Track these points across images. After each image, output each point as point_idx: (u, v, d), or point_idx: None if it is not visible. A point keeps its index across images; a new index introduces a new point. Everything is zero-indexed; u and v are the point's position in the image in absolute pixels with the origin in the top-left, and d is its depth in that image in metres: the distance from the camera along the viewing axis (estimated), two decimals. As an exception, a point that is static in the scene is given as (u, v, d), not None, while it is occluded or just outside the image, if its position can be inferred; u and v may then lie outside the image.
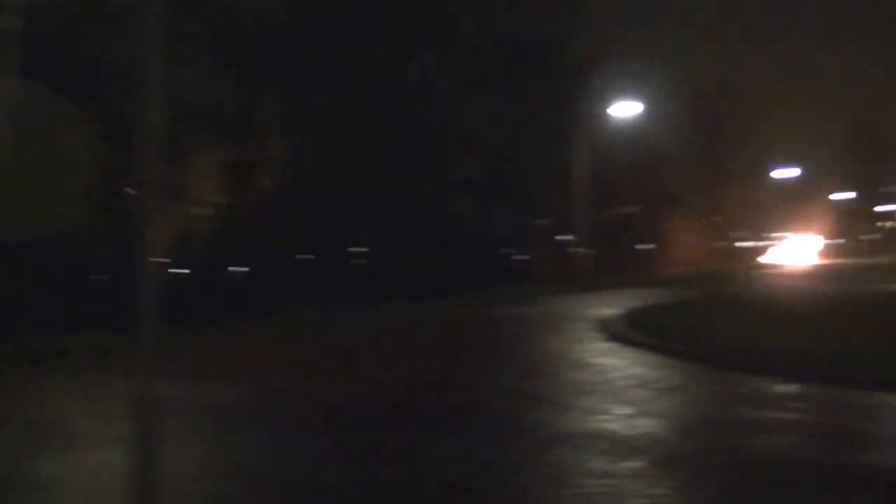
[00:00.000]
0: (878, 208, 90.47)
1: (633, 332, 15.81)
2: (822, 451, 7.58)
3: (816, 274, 46.35)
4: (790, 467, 6.91)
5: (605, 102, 36.22)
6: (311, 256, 28.21)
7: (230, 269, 26.06)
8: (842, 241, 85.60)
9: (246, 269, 26.35)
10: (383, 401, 10.39)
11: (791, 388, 10.67)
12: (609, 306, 22.39)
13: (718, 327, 15.96)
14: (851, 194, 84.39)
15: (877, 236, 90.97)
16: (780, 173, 68.86)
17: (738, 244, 74.22)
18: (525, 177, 38.22)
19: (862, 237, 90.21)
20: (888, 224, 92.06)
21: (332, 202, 27.50)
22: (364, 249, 31.28)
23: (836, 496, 6.13)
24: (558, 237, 42.13)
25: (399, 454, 7.52)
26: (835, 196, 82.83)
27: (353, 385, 11.63)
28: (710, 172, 65.91)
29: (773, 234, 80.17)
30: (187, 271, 23.28)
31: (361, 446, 7.79)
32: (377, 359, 14.77)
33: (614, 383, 10.98)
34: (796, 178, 71.43)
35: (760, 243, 78.04)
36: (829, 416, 9.31)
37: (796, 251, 72.42)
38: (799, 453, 7.53)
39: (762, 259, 71.22)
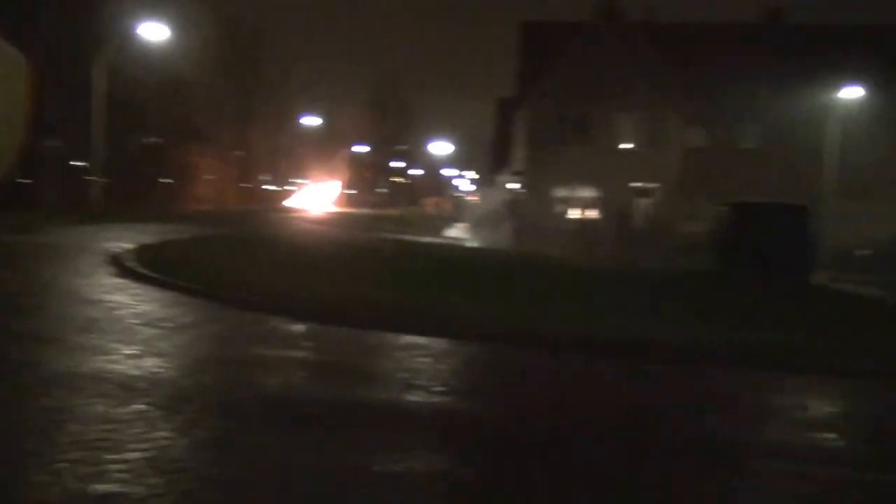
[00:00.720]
0: (392, 164, 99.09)
1: (145, 268, 15.09)
2: (325, 387, 7.94)
3: (331, 221, 48.99)
4: (294, 403, 7.12)
5: (131, 21, 33.57)
6: None
7: None
8: (355, 191, 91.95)
9: None
10: None
11: (300, 327, 11.05)
12: (122, 240, 21.26)
13: (233, 266, 15.92)
14: (368, 148, 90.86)
15: (386, 190, 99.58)
16: (306, 121, 71.29)
17: (263, 186, 75.68)
18: (35, 91, 34.70)
19: (377, 190, 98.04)
20: (397, 179, 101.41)
21: None
22: None
23: (333, 429, 6.40)
24: (72, 163, 39.03)
25: None
26: (354, 148, 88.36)
27: None
28: (239, 111, 66.02)
29: (296, 180, 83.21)
30: None
31: None
32: None
33: (122, 321, 10.37)
34: (321, 126, 74.57)
35: (284, 187, 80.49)
36: (334, 354, 9.83)
37: (315, 198, 75.78)
38: (304, 390, 7.82)
39: (285, 203, 73.42)
